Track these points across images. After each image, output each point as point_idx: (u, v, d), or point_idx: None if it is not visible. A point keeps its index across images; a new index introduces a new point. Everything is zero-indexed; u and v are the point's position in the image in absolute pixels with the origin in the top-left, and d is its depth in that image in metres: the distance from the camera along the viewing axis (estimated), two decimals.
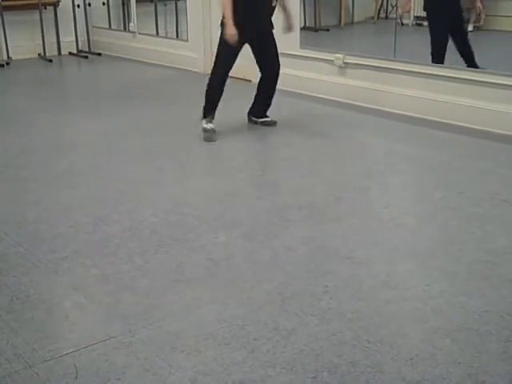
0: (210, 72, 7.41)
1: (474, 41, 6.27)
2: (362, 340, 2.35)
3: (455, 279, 2.80)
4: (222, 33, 4.81)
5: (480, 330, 2.40)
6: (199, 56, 7.48)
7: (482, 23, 6.24)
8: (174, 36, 8.21)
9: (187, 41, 7.63)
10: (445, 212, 3.52)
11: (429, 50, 5.65)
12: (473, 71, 5.10)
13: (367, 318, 2.50)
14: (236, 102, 6.11)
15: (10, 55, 8.33)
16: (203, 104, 5.00)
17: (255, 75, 6.83)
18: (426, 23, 6.64)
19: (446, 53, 5.55)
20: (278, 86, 6.49)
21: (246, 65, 6.96)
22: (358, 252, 3.07)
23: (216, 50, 5.02)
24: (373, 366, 2.21)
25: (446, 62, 5.40)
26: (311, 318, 2.51)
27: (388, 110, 5.55)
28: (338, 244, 3.15)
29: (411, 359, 2.24)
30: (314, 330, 2.42)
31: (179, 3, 7.81)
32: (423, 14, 6.66)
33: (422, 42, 6.17)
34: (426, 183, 3.99)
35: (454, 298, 2.65)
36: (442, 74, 5.23)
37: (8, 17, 8.26)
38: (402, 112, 5.45)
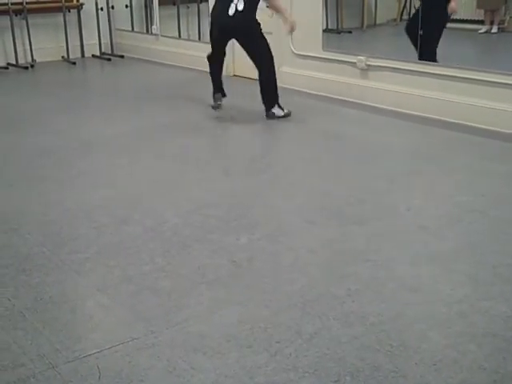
0: (232, 74, 7.49)
1: (498, 42, 6.23)
2: (385, 344, 2.33)
3: (479, 283, 2.77)
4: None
5: (506, 336, 2.37)
6: None
7: (506, 24, 6.18)
8: (196, 38, 8.23)
9: (209, 43, 7.63)
10: (468, 215, 3.49)
11: (451, 51, 5.62)
12: (495, 73, 5.05)
13: (390, 322, 2.48)
14: (258, 104, 6.12)
15: (35, 58, 8.41)
16: (272, 95, 5.42)
17: (277, 77, 6.84)
18: (448, 25, 6.59)
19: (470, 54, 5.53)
20: (300, 88, 6.51)
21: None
22: (380, 254, 3.05)
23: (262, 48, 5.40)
24: (396, 371, 2.19)
25: (467, 63, 5.36)
26: (334, 321, 2.49)
27: (410, 112, 5.51)
28: (361, 246, 3.14)
29: (435, 364, 2.22)
30: (336, 333, 2.41)
31: (201, 5, 7.82)
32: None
33: (444, 43, 6.13)
34: (449, 185, 3.95)
35: (478, 302, 2.62)
36: (464, 76, 5.19)
37: (32, 20, 8.33)
38: (424, 114, 5.42)
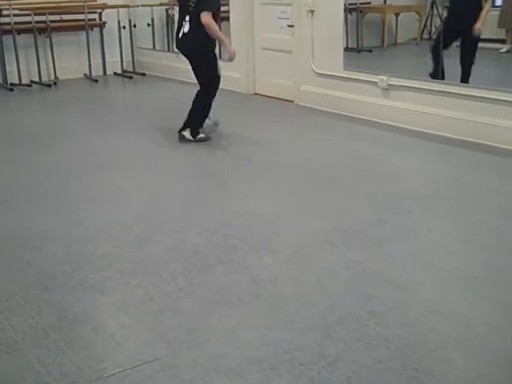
0: (252, 92, 7.52)
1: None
2: (410, 368, 2.31)
3: (504, 307, 2.74)
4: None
5: None
6: (242, 76, 7.53)
7: None
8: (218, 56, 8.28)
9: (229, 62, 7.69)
10: (491, 237, 3.46)
11: (474, 71, 5.61)
12: None
13: (414, 346, 2.46)
14: (280, 123, 6.15)
15: (57, 75, 8.52)
16: (195, 119, 5.35)
17: (297, 96, 6.86)
18: None
19: (491, 74, 5.52)
20: (320, 107, 6.53)
21: (287, 85, 7.01)
22: (402, 277, 3.02)
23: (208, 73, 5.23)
24: None
25: (489, 83, 5.34)
26: (357, 343, 2.47)
27: (432, 131, 5.50)
28: (383, 268, 3.12)
29: None
30: (360, 356, 2.39)
31: (222, 24, 7.88)
32: None
33: None
34: (471, 206, 3.92)
35: (501, 327, 2.59)
36: (486, 96, 5.17)
37: (56, 38, 8.46)
38: (446, 134, 5.40)
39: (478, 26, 5.62)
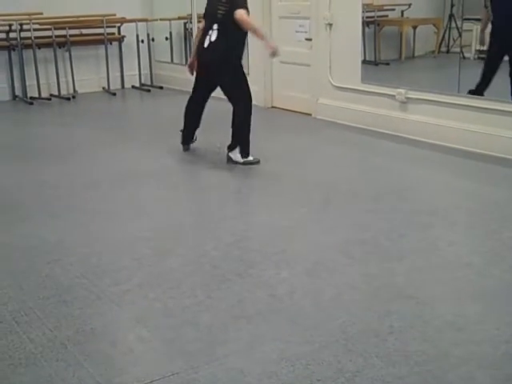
0: (270, 105, 7.53)
1: None
2: None
3: None
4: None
5: None
6: (260, 89, 7.54)
7: None
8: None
9: (248, 74, 7.71)
10: None
11: (492, 83, 5.57)
12: None
13: (435, 361, 2.43)
14: (298, 137, 6.15)
15: (76, 89, 8.60)
16: (243, 143, 5.10)
17: (315, 109, 6.86)
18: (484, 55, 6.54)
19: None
20: (338, 120, 6.52)
21: (305, 98, 7.01)
22: (422, 291, 3.00)
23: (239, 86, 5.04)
24: None
25: (506, 96, 5.30)
26: (376, 359, 2.45)
27: (451, 145, 5.46)
28: (402, 282, 3.09)
29: None
30: (379, 372, 2.37)
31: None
32: (485, 47, 6.57)
33: (480, 74, 6.08)
34: (491, 221, 3.89)
35: None
36: (505, 109, 5.13)
37: (75, 52, 8.54)
38: (465, 148, 5.36)
39: None
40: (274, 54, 4.90)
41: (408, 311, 2.81)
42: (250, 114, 5.08)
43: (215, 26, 4.88)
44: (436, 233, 3.73)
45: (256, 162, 5.10)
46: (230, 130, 5.12)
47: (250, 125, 5.07)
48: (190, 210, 4.21)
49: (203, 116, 5.46)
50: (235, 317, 2.80)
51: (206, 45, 4.94)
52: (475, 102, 5.37)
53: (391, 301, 2.91)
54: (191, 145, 5.61)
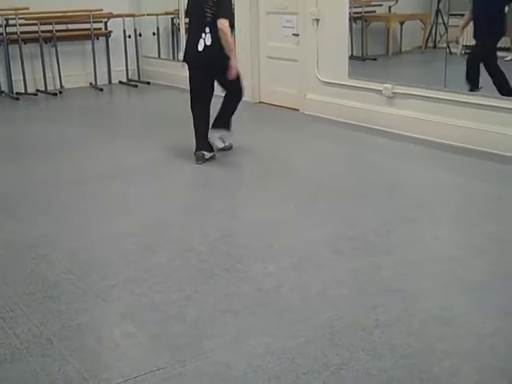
0: (258, 100, 7.53)
1: None
2: (415, 377, 2.29)
3: (510, 315, 2.72)
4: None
5: None
6: (247, 85, 7.50)
7: None
8: None
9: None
10: (497, 245, 3.44)
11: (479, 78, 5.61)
12: None
13: (420, 355, 2.44)
14: (285, 132, 6.16)
15: (63, 84, 8.55)
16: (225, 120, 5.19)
17: (302, 104, 6.87)
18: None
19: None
20: (325, 115, 6.54)
21: (292, 93, 7.01)
22: (408, 285, 3.01)
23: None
24: None
25: (494, 91, 5.33)
26: (362, 352, 2.46)
27: (437, 140, 5.48)
28: (389, 277, 3.10)
29: None
30: (365, 365, 2.38)
31: None
32: (472, 43, 6.60)
33: None
34: (477, 215, 3.91)
35: (508, 335, 2.57)
36: (491, 104, 5.16)
37: (61, 47, 8.49)
38: (451, 142, 5.38)
39: None
40: (232, 73, 4.94)
41: (394, 305, 2.82)
42: (238, 103, 5.24)
43: (207, 30, 4.91)
44: (423, 227, 3.74)
45: (229, 148, 5.33)
46: (218, 111, 5.18)
47: (234, 110, 5.24)
48: (177, 205, 4.20)
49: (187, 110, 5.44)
50: (222, 311, 2.80)
51: (200, 48, 4.96)
52: (461, 97, 5.39)
53: (378, 295, 2.92)
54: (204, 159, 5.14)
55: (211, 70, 5.03)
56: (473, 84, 5.60)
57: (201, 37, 4.95)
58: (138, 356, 2.50)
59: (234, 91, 5.19)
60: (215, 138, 5.15)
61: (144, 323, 2.72)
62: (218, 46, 4.90)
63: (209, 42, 4.93)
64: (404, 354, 2.44)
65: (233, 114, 5.24)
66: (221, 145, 5.23)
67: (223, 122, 5.19)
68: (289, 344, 2.53)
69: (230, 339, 2.58)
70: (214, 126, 5.18)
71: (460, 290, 2.96)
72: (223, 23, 4.82)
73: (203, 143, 5.13)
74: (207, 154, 5.13)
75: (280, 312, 2.79)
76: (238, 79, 5.09)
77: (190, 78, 5.25)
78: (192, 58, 5.11)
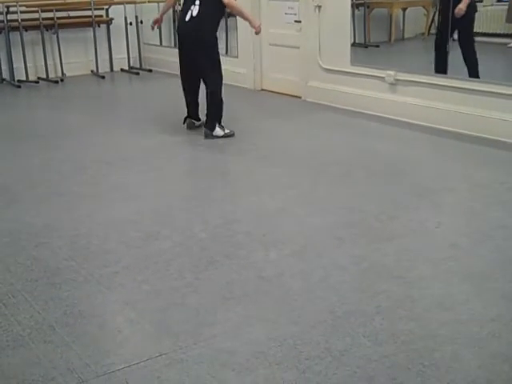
0: (259, 88, 7.51)
1: None
2: (417, 363, 2.30)
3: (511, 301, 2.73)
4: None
5: None
6: (249, 72, 7.51)
7: None
8: (224, 52, 8.27)
9: (237, 57, 7.69)
10: (500, 232, 3.43)
11: (482, 65, 5.58)
12: None
13: (421, 341, 2.44)
14: (287, 119, 6.14)
15: (64, 72, 8.53)
16: (215, 115, 5.37)
17: (304, 91, 6.85)
18: (477, 38, 6.55)
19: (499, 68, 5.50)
20: (328, 102, 6.53)
21: (294, 81, 6.99)
22: (410, 272, 3.01)
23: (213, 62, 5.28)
24: None
25: (496, 77, 5.31)
26: (363, 339, 2.46)
27: (440, 127, 5.47)
28: (391, 263, 3.10)
29: None
30: (366, 351, 2.38)
31: (229, 20, 7.87)
32: (475, 29, 6.57)
33: None
34: (480, 202, 3.90)
35: (510, 321, 2.57)
36: (494, 90, 5.13)
37: (63, 34, 8.46)
38: (454, 129, 5.37)
39: (461, 6, 5.57)
40: (257, 32, 5.46)
41: (396, 291, 2.82)
42: (221, 89, 5.33)
43: (197, 2, 5.12)
44: (425, 214, 3.74)
45: (232, 135, 5.39)
46: (206, 109, 5.37)
47: (221, 99, 5.34)
48: (178, 192, 4.20)
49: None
50: (223, 298, 2.80)
51: (187, 18, 5.16)
52: (464, 83, 5.37)
53: (379, 281, 2.92)
54: (193, 127, 5.64)
55: (191, 40, 5.17)
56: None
57: (190, 9, 5.16)
58: (140, 342, 2.50)
59: (211, 78, 5.28)
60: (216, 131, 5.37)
61: (146, 310, 2.73)
62: (203, 17, 5.10)
63: (195, 13, 5.11)
64: (405, 340, 2.44)
65: (218, 104, 5.32)
66: (221, 133, 5.33)
67: (212, 117, 5.36)
68: (290, 330, 2.53)
69: (231, 326, 2.58)
70: (208, 127, 5.37)
71: (462, 277, 2.96)
72: (229, 0, 5.06)
73: (191, 111, 5.57)
74: (196, 123, 5.59)
75: (281, 298, 2.79)
76: (214, 64, 5.23)
77: (178, 51, 5.38)
78: (180, 28, 5.32)
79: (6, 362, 2.38)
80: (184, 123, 5.65)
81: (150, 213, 3.82)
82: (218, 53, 5.29)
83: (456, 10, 5.59)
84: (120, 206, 3.93)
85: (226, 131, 5.39)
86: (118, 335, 2.57)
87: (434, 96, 5.58)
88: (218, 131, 5.34)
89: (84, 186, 4.30)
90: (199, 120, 5.62)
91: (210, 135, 5.33)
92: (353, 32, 6.65)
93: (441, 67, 5.77)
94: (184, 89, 5.53)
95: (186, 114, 5.64)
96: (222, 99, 5.33)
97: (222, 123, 5.41)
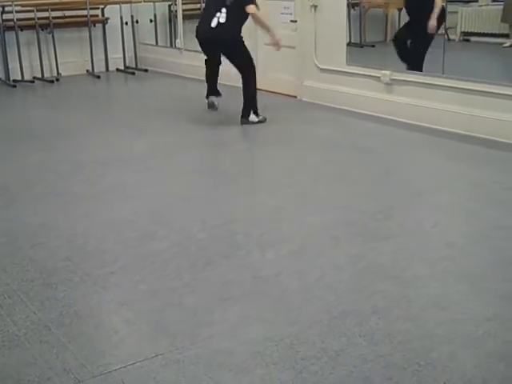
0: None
1: None
2: (413, 363, 2.30)
3: (508, 301, 2.73)
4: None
5: None
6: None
7: None
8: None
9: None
10: (496, 232, 3.44)
11: (475, 64, 5.59)
12: None
13: (417, 340, 2.45)
14: (283, 119, 6.15)
15: (60, 71, 8.51)
16: (249, 103, 5.79)
17: (300, 91, 6.85)
18: (473, 38, 6.57)
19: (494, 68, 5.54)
20: (323, 102, 6.53)
21: (290, 80, 6.99)
22: (407, 271, 3.02)
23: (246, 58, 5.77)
24: None
25: (492, 77, 5.32)
26: (360, 338, 2.47)
27: (436, 127, 5.48)
28: (387, 263, 3.11)
29: None
30: (362, 351, 2.38)
31: None
32: (470, 29, 6.59)
33: (469, 56, 6.10)
34: (476, 202, 3.91)
35: (508, 321, 2.58)
36: (489, 90, 5.14)
37: (58, 34, 8.44)
38: (450, 129, 5.38)
39: (431, 22, 5.80)
40: (278, 47, 5.76)
41: (392, 291, 2.83)
42: (255, 78, 5.78)
43: (223, 10, 5.51)
44: (422, 214, 3.75)
45: (264, 120, 5.85)
46: (243, 97, 5.80)
47: (256, 88, 5.84)
48: (175, 192, 4.20)
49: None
50: (221, 298, 2.80)
51: (213, 25, 5.54)
52: (459, 83, 5.37)
53: (376, 281, 2.92)
54: (214, 106, 6.15)
55: (219, 45, 5.67)
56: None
57: (215, 15, 5.54)
58: (137, 343, 2.50)
59: (244, 69, 5.76)
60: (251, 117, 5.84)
61: (142, 310, 2.73)
62: (231, 24, 5.51)
63: (222, 20, 5.51)
64: (401, 340, 2.45)
65: (254, 92, 5.80)
66: (255, 119, 5.80)
67: (249, 104, 5.81)
68: (287, 330, 2.53)
69: (228, 326, 2.58)
70: (244, 115, 5.82)
71: (458, 277, 2.97)
72: (252, 8, 5.47)
73: (211, 87, 6.15)
74: (215, 99, 6.14)
75: (278, 298, 2.79)
76: (245, 57, 5.69)
77: (202, 50, 5.96)
78: (203, 32, 5.71)
79: (1, 362, 2.37)
80: (207, 99, 6.17)
81: (147, 213, 3.81)
82: (246, 48, 5.71)
83: (429, 28, 5.80)
84: (117, 206, 3.92)
85: (260, 118, 5.82)
86: (114, 335, 2.56)
87: (429, 96, 5.59)
88: (252, 117, 5.79)
89: (81, 186, 4.30)
90: (219, 94, 6.15)
91: (245, 121, 5.78)
92: (348, 32, 6.65)
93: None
94: (206, 69, 6.12)
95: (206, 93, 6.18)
96: (255, 89, 5.81)
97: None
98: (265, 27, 5.72)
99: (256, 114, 5.83)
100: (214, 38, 5.64)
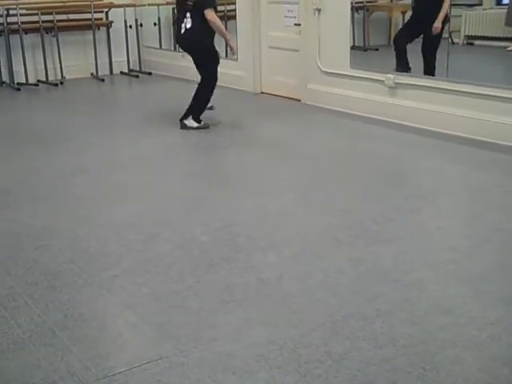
0: (259, 91, 7.51)
1: None
2: (417, 367, 2.30)
3: (511, 305, 2.73)
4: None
5: None
6: (248, 75, 7.52)
7: None
8: (224, 55, 8.28)
9: (236, 60, 7.69)
10: (499, 235, 3.44)
11: (480, 68, 5.59)
12: None
13: (421, 344, 2.45)
14: (286, 122, 6.16)
15: (64, 75, 8.54)
16: (195, 108, 5.76)
17: (304, 94, 6.85)
18: (476, 42, 6.57)
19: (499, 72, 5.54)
20: (327, 105, 6.54)
21: (294, 84, 7.00)
22: (409, 275, 3.02)
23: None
24: None
25: (496, 81, 5.32)
26: (363, 342, 2.47)
27: (439, 130, 5.48)
28: (389, 266, 3.11)
29: None
30: (366, 354, 2.38)
31: (229, 23, 7.88)
32: (474, 33, 6.59)
33: (473, 60, 6.10)
34: (479, 205, 3.91)
35: (510, 325, 2.57)
36: (493, 94, 5.14)
37: (62, 37, 8.47)
38: (454, 133, 5.38)
39: (436, 24, 5.82)
40: (233, 53, 5.99)
41: (395, 294, 2.83)
42: (213, 88, 5.73)
43: (188, 15, 5.50)
44: (423, 217, 3.75)
45: (206, 127, 5.76)
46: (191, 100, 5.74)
47: (209, 99, 5.79)
48: (178, 194, 4.21)
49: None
50: (224, 301, 2.81)
51: (182, 31, 5.57)
52: (463, 86, 5.38)
53: (378, 284, 2.92)
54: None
55: (190, 51, 5.72)
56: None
57: (183, 22, 5.55)
58: (141, 345, 2.50)
59: (206, 74, 5.70)
60: (189, 122, 5.76)
61: (146, 313, 2.73)
62: (196, 29, 5.48)
63: (189, 26, 5.51)
64: (405, 344, 2.45)
65: (204, 98, 5.75)
66: (194, 124, 5.72)
67: (193, 108, 5.75)
68: (290, 333, 2.53)
69: (231, 329, 2.59)
70: (184, 116, 5.75)
71: (461, 280, 2.96)
72: (208, 13, 5.40)
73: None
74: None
75: (281, 301, 2.80)
76: (210, 64, 5.62)
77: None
78: (177, 39, 5.91)
79: (5, 364, 2.38)
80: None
81: (150, 215, 3.82)
82: (214, 56, 5.64)
83: (433, 30, 5.83)
84: (120, 209, 3.93)
85: (201, 124, 5.75)
86: (118, 338, 2.57)
87: (433, 99, 5.59)
88: (191, 122, 5.73)
89: (84, 189, 4.31)
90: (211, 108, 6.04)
91: (184, 125, 5.73)
92: (352, 35, 6.66)
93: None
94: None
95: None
96: (207, 99, 5.77)
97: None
98: (221, 33, 5.60)
99: (197, 120, 5.75)
100: (183, 43, 5.77)
